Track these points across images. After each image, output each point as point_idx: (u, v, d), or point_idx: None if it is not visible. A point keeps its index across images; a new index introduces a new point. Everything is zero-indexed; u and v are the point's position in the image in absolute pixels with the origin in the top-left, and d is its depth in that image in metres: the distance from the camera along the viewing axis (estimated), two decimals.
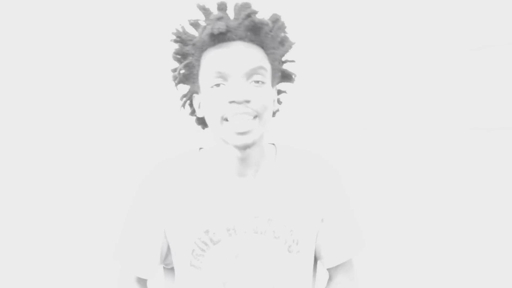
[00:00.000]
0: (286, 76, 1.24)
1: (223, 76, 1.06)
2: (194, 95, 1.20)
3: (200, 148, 1.26)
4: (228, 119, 1.06)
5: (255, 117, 1.06)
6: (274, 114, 1.28)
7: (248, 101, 1.05)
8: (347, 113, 2.18)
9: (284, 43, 1.18)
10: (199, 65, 1.14)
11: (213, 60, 1.09)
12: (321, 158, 1.26)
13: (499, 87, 2.07)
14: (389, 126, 2.17)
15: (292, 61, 1.26)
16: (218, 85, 1.07)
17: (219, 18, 1.09)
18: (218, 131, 1.10)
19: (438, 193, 2.14)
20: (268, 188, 1.17)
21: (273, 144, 1.27)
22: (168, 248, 1.20)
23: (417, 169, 2.14)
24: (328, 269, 1.27)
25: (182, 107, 1.26)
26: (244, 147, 1.08)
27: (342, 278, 1.26)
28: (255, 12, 1.10)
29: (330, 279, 1.28)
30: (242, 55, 1.08)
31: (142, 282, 1.22)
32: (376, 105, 2.18)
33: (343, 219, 1.24)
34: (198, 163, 1.21)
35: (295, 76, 1.26)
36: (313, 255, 1.24)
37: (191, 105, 1.24)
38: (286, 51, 1.20)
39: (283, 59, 1.23)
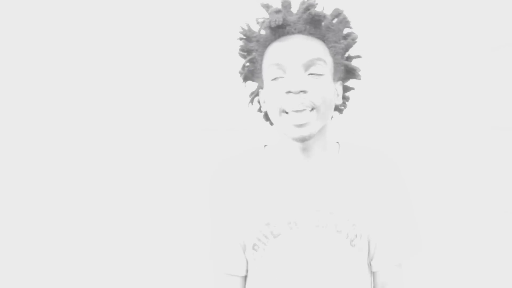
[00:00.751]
0: (350, 71, 1.21)
1: (282, 68, 1.06)
2: (260, 90, 1.21)
3: (265, 146, 1.26)
4: (287, 111, 1.05)
5: (312, 109, 1.05)
6: (341, 111, 1.28)
7: (304, 92, 1.04)
8: (374, 112, 2.11)
9: (347, 37, 1.16)
10: (262, 60, 1.15)
11: (272, 53, 1.10)
12: (385, 156, 1.21)
13: None
14: (409, 125, 2.09)
15: (358, 56, 1.24)
16: (277, 78, 1.07)
17: (277, 12, 1.10)
18: (277, 124, 1.10)
19: (460, 190, 2.04)
20: (330, 182, 1.14)
21: (337, 142, 1.26)
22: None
23: (439, 168, 2.05)
24: (375, 271, 1.21)
25: (251, 103, 1.28)
26: (302, 140, 1.07)
27: (389, 280, 1.19)
28: (313, 5, 1.09)
29: (376, 278, 1.21)
30: (299, 47, 1.07)
31: (237, 278, 1.21)
32: (397, 105, 2.10)
33: (401, 219, 1.18)
34: (261, 159, 1.21)
35: (359, 71, 1.23)
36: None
37: (259, 101, 1.26)
38: (350, 46, 1.17)
39: (348, 54, 1.21)
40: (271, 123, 1.27)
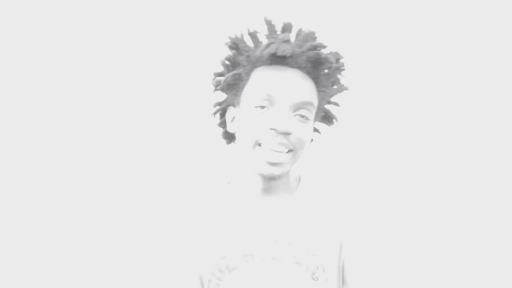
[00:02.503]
0: (327, 118, 1.17)
1: (270, 100, 1.01)
2: (230, 107, 1.14)
3: (228, 183, 1.20)
4: (262, 145, 1.00)
5: (289, 151, 1.01)
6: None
7: (288, 134, 1.00)
8: (366, 141, 2.09)
9: (336, 84, 1.12)
10: (247, 80, 1.08)
11: (265, 80, 1.03)
12: (349, 186, 1.15)
13: None
14: (409, 159, 2.09)
15: (336, 104, 1.19)
16: (263, 107, 1.01)
17: (286, 41, 1.04)
18: (247, 155, 1.04)
19: (461, 225, 2.04)
20: (289, 213, 1.08)
21: (299, 175, 1.20)
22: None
23: (439, 203, 2.05)
24: None
25: (213, 116, 1.20)
26: (271, 178, 1.02)
27: None
28: (323, 47, 1.05)
29: None
30: (297, 85, 1.02)
31: None
32: (397, 138, 2.10)
33: (371, 249, 1.10)
34: (223, 196, 1.15)
35: (336, 120, 1.18)
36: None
37: (222, 115, 1.18)
38: (336, 93, 1.13)
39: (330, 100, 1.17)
40: (228, 142, 1.20)
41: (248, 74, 1.08)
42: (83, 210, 2.05)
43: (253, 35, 1.10)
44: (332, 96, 1.13)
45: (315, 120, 1.12)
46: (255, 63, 1.07)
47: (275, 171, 1.01)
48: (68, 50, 2.07)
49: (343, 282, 1.13)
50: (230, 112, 1.13)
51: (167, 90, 2.02)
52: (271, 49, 1.03)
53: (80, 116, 2.07)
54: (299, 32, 1.10)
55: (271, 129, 0.99)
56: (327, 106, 1.17)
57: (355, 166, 2.03)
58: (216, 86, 1.14)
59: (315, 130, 1.22)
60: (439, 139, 2.07)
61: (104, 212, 2.05)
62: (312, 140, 1.23)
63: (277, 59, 1.05)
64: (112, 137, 2.06)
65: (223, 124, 1.18)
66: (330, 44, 1.07)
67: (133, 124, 2.05)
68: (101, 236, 2.04)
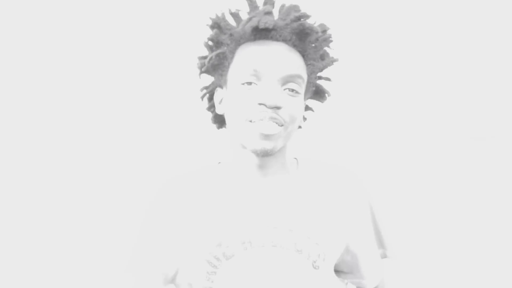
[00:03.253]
0: (319, 93, 1.14)
1: (257, 75, 0.97)
2: (218, 88, 1.10)
3: (219, 163, 1.15)
4: (252, 121, 0.96)
5: (281, 125, 0.97)
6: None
7: (278, 108, 0.95)
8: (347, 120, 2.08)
9: (325, 57, 1.09)
10: (232, 58, 1.04)
11: (250, 56, 0.99)
12: (348, 170, 1.13)
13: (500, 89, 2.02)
14: (388, 131, 2.09)
15: (328, 79, 1.16)
16: (250, 83, 0.97)
17: (267, 13, 1.00)
18: (239, 132, 1.00)
19: (438, 201, 2.07)
20: (289, 198, 1.04)
21: (295, 158, 1.16)
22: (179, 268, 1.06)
23: (416, 177, 2.06)
24: None
25: (201, 99, 1.17)
26: (263, 153, 0.97)
27: None
28: (307, 17, 1.02)
29: None
30: (283, 58, 0.98)
31: None
32: (374, 109, 2.09)
33: (370, 245, 1.13)
34: (214, 176, 1.10)
35: (328, 95, 1.15)
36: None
37: (210, 99, 1.15)
38: (326, 67, 1.10)
39: (320, 74, 1.13)
40: (219, 127, 1.18)
41: (232, 52, 1.04)
42: (71, 206, 2.04)
43: (235, 15, 1.07)
44: (322, 69, 1.11)
45: (306, 96, 1.09)
46: (238, 41, 1.03)
47: (267, 145, 0.96)
48: (68, 50, 2.04)
49: (347, 271, 1.13)
50: (218, 93, 1.10)
51: (157, 86, 1.99)
52: (253, 23, 0.98)
53: (71, 112, 2.04)
54: (282, 6, 1.06)
55: (260, 104, 0.95)
56: (319, 82, 1.14)
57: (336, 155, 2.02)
58: (201, 68, 1.10)
59: (308, 108, 1.19)
60: (416, 113, 2.06)
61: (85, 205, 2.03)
62: (305, 119, 1.20)
63: (260, 34, 1.01)
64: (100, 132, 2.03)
65: (212, 107, 1.15)
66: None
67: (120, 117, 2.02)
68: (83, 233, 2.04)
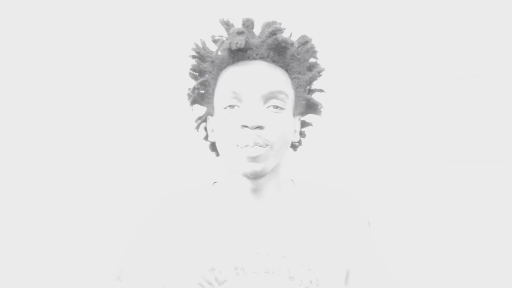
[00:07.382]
0: (311, 106, 1.12)
1: (237, 97, 0.95)
2: (209, 117, 1.09)
3: (215, 182, 1.14)
4: (239, 146, 0.94)
5: (266, 146, 0.94)
6: (295, 148, 1.17)
7: (261, 128, 0.93)
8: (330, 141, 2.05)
9: (312, 69, 1.07)
10: (215, 84, 1.03)
11: (229, 79, 0.98)
12: (344, 192, 1.11)
13: (480, 119, 1.97)
14: (370, 155, 2.06)
15: (321, 90, 1.14)
16: (232, 106, 0.96)
17: (239, 33, 0.99)
18: (228, 157, 0.98)
19: (420, 223, 2.02)
20: (282, 223, 1.02)
21: (292, 180, 1.14)
22: None
23: (396, 200, 2.02)
24: None
25: (196, 130, 1.16)
26: (254, 175, 0.95)
27: None
28: (280, 30, 1.00)
29: None
30: (261, 76, 0.96)
31: None
32: (357, 135, 2.06)
33: (368, 261, 1.08)
34: (208, 197, 1.08)
35: (322, 107, 1.13)
36: None
37: (206, 128, 1.13)
38: (314, 78, 1.09)
39: (310, 87, 1.12)
40: (217, 154, 1.15)
41: (215, 78, 1.03)
42: (68, 207, 2.00)
43: (216, 41, 1.05)
44: (311, 81, 1.09)
45: (297, 111, 1.07)
46: (220, 66, 1.03)
47: (256, 167, 0.94)
48: (67, 50, 2.01)
49: None
50: (209, 122, 1.09)
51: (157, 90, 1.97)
52: (225, 45, 0.97)
53: (70, 113, 2.02)
54: (263, 24, 1.05)
55: (243, 126, 0.93)
56: (311, 95, 1.13)
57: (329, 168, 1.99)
58: (189, 99, 1.10)
59: (306, 123, 1.17)
60: (395, 138, 2.04)
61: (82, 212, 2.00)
62: (305, 135, 1.18)
63: (238, 55, 1.00)
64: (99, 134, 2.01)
65: (207, 137, 1.14)
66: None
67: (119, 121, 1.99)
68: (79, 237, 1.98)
